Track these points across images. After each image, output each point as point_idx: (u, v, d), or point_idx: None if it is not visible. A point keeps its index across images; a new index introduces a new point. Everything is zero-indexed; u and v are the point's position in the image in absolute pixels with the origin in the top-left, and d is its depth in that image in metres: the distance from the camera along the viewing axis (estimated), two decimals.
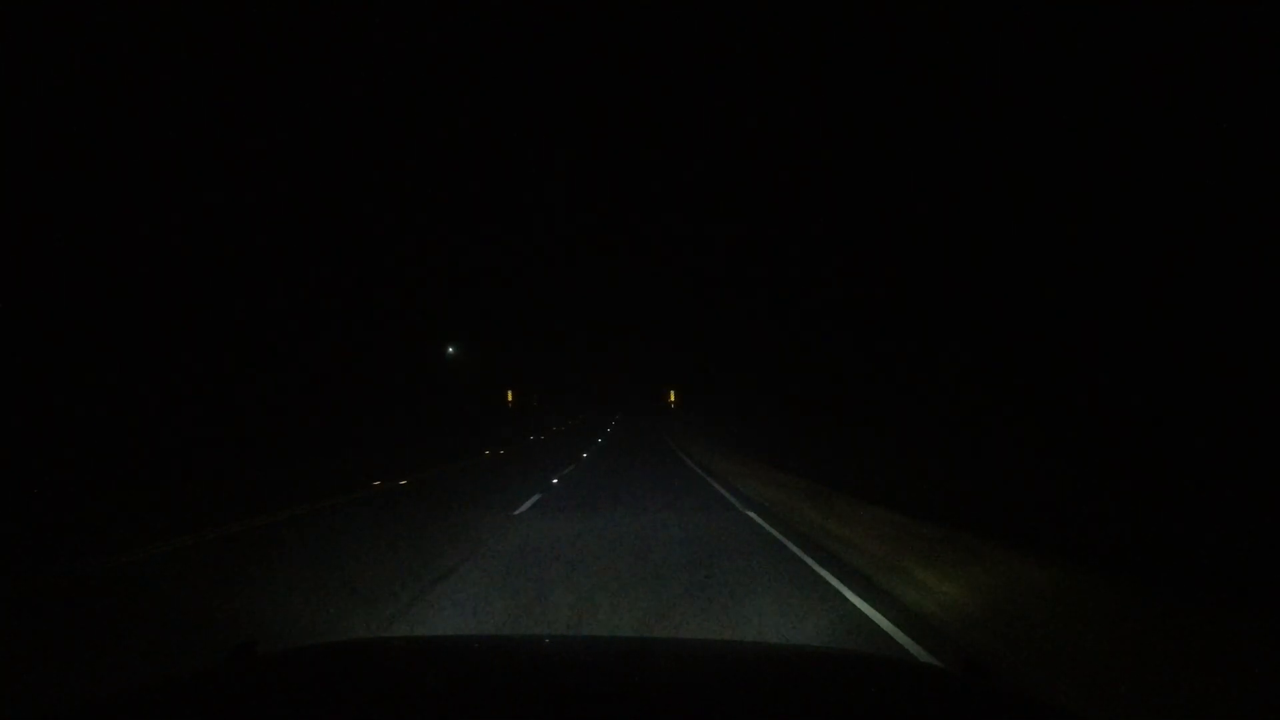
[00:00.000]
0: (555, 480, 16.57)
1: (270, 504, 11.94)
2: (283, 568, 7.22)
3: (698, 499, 13.07)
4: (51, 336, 16.68)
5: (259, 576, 6.80)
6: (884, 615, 5.52)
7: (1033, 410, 17.28)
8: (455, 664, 1.94)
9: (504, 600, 5.91)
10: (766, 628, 5.16)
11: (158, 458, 16.71)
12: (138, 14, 19.33)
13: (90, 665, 4.45)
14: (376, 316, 37.44)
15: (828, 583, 6.60)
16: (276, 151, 26.75)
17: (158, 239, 20.18)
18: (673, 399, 74.10)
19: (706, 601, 5.81)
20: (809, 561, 7.53)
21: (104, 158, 18.58)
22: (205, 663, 1.83)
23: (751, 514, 11.12)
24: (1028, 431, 16.67)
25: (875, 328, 28.05)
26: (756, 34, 38.15)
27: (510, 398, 58.57)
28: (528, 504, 12.20)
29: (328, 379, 31.40)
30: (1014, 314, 18.90)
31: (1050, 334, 17.01)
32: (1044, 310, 17.34)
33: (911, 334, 24.53)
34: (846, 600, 6.02)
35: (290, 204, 27.74)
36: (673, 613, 5.49)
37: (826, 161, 30.73)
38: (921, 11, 21.41)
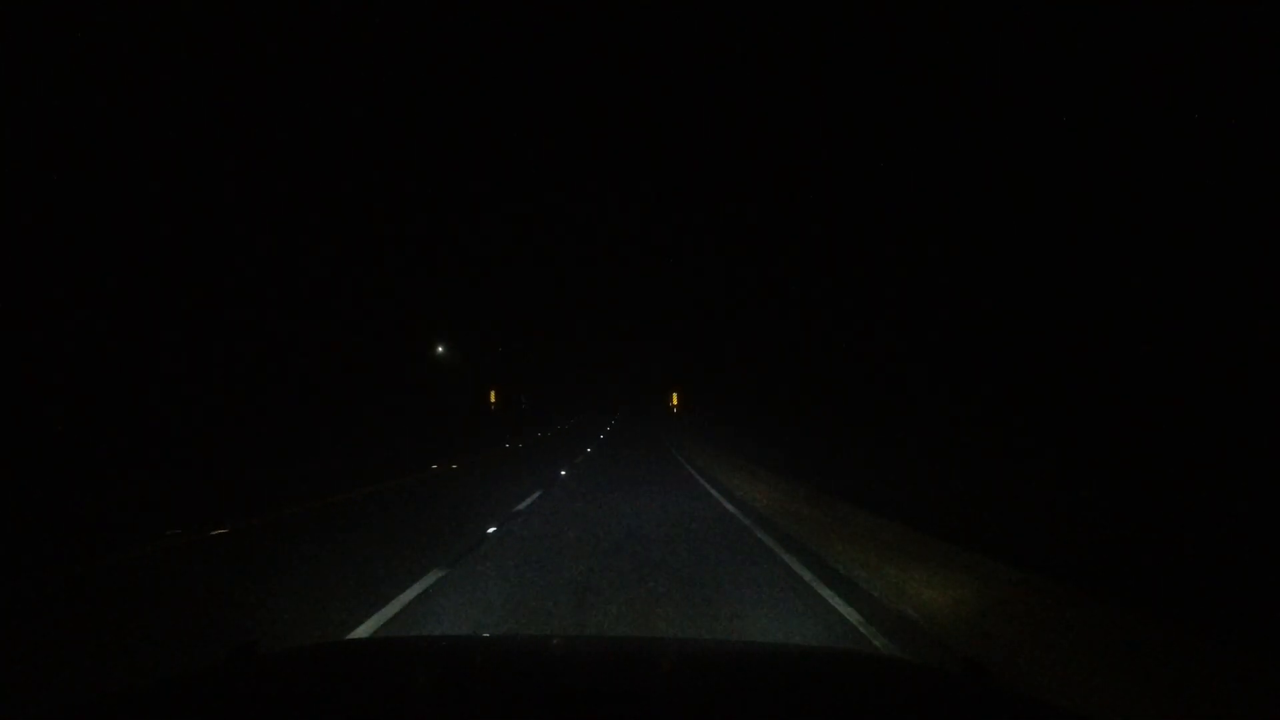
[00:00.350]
0: (492, 530, 9.82)
1: None
2: None
3: (769, 608, 6.25)
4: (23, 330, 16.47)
5: None
6: None
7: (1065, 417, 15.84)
8: (455, 664, 1.94)
9: None
10: None
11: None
12: (121, 7, 19.07)
13: None
14: (364, 314, 35.63)
15: None
16: (267, 146, 26.14)
17: (133, 233, 19.64)
18: (675, 402, 67.21)
19: None
20: None
21: (90, 154, 18.40)
22: (205, 663, 1.79)
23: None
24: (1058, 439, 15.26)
25: (892, 328, 25.64)
26: (760, 28, 36.90)
27: (493, 398, 51.80)
28: (399, 602, 5.48)
29: (307, 375, 29.60)
30: (1038, 317, 17.55)
31: (1074, 336, 16.35)
32: (1066, 312, 16.64)
33: (931, 334, 22.78)
34: None
35: (282, 196, 27.00)
36: None
37: (836, 156, 29.38)
38: (924, 10, 20.94)
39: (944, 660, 4.25)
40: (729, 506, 12.28)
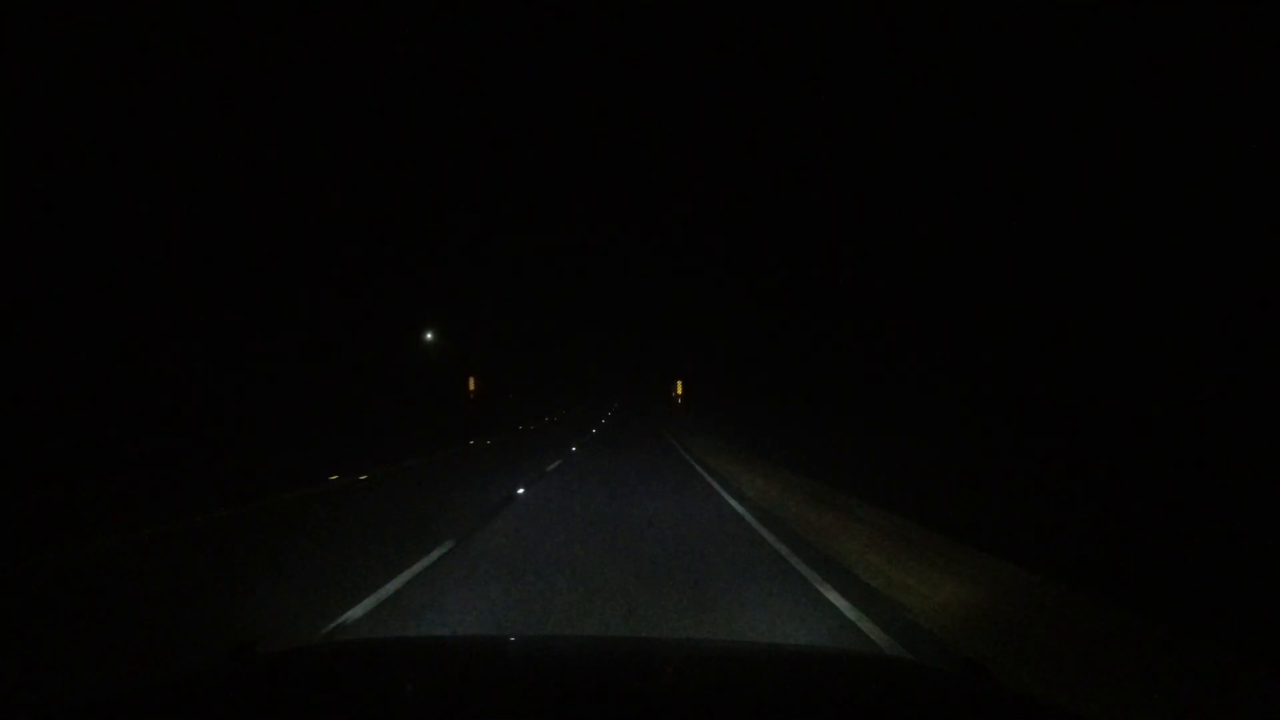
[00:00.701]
0: None
1: None
2: None
3: None
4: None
5: None
6: None
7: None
8: (455, 664, 1.91)
9: None
10: None
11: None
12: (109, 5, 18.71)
13: None
14: (351, 300, 33.07)
15: None
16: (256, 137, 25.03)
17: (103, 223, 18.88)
18: (679, 392, 60.03)
19: None
20: None
21: (82, 150, 18.00)
22: (205, 663, 1.75)
23: None
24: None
25: (915, 322, 23.50)
26: (763, 23, 35.07)
27: (472, 386, 44.67)
28: None
29: (284, 363, 27.13)
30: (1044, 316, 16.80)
31: (1075, 335, 15.78)
32: (1068, 311, 16.03)
33: (943, 330, 21.49)
34: None
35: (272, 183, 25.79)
36: None
37: (842, 147, 28.04)
38: (924, 12, 20.69)
39: (944, 660, 4.06)
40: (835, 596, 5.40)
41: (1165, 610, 4.52)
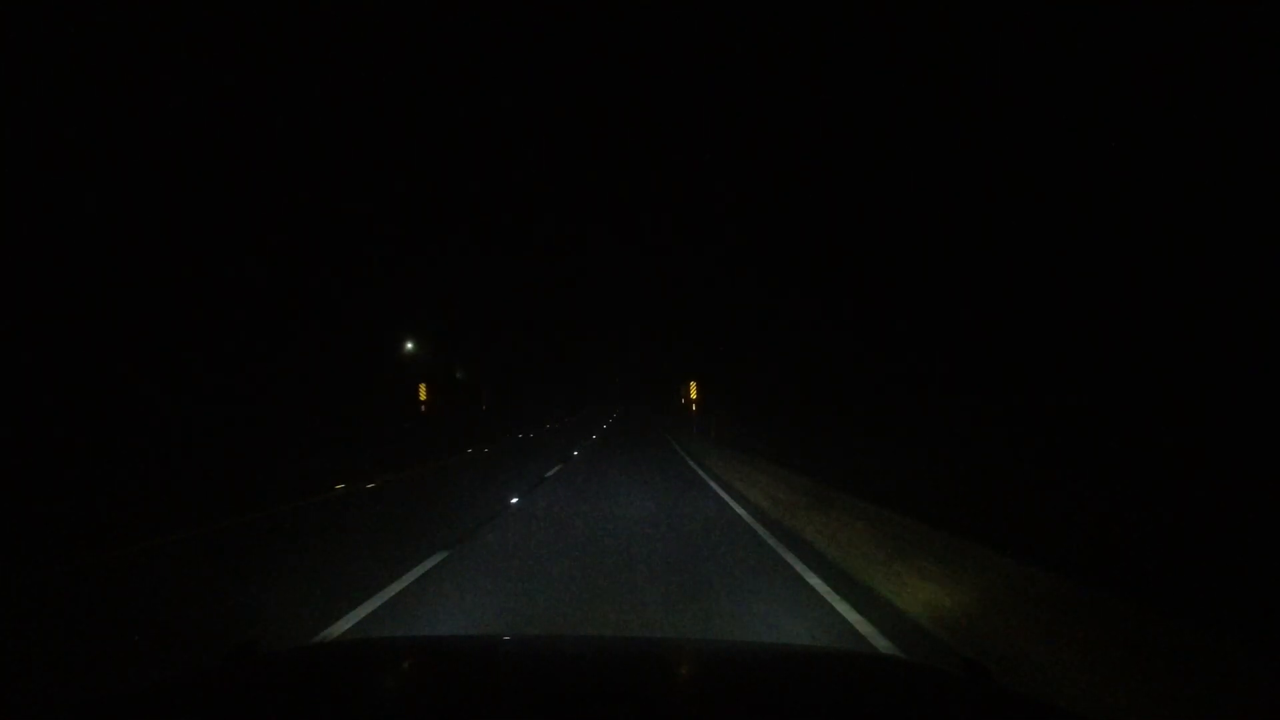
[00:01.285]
0: None
1: None
2: None
3: None
4: None
5: None
6: None
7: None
8: (455, 664, 1.89)
9: None
10: None
11: None
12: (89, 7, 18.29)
13: None
14: (338, 311, 30.89)
15: None
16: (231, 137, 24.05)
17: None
18: (694, 395, 50.27)
19: None
20: None
21: (72, 153, 17.77)
22: (205, 663, 1.74)
23: None
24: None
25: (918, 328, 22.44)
26: (775, 23, 35.18)
27: (423, 395, 34.48)
28: None
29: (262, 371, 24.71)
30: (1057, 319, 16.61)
31: (1078, 339, 15.82)
32: (1073, 315, 16.05)
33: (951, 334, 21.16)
34: None
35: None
36: None
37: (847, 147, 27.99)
38: (926, 15, 20.98)
39: (944, 660, 4.12)
40: None
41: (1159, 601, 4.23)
